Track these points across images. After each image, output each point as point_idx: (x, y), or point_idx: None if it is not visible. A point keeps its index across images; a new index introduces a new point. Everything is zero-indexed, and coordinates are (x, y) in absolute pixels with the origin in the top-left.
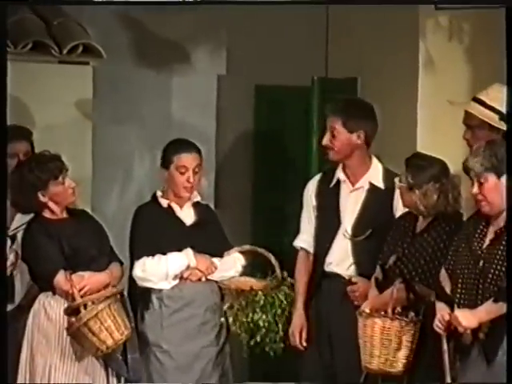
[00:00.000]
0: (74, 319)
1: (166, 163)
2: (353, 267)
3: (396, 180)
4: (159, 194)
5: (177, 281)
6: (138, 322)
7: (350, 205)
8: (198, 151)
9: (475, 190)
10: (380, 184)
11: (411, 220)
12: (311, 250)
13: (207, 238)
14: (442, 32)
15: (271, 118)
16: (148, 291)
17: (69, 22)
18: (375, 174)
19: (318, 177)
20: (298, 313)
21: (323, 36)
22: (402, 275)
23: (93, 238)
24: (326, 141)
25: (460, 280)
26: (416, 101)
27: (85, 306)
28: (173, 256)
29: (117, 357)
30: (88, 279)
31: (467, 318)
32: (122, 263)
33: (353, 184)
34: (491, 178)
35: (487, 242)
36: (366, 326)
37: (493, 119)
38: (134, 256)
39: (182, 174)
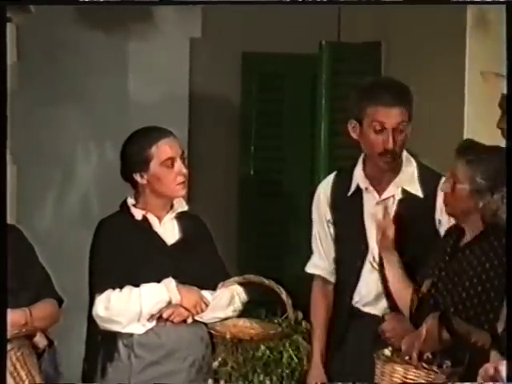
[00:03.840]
0: None
1: (138, 166)
2: (386, 304)
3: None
4: (131, 201)
5: (153, 323)
6: (98, 378)
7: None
8: (174, 136)
9: None
10: (417, 191)
11: (456, 233)
12: (331, 278)
13: (196, 263)
14: None
15: (264, 97)
16: (113, 336)
17: None
18: (409, 178)
19: (330, 179)
20: (315, 365)
21: None
22: (436, 307)
23: (13, 266)
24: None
25: None
26: (463, 71)
27: None
28: (148, 288)
29: None
30: None
31: None
32: (60, 301)
33: (379, 193)
34: None
35: None
36: (384, 374)
37: None
38: (95, 288)
39: (170, 167)
